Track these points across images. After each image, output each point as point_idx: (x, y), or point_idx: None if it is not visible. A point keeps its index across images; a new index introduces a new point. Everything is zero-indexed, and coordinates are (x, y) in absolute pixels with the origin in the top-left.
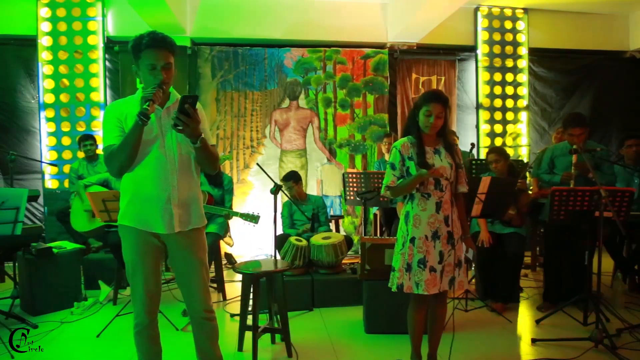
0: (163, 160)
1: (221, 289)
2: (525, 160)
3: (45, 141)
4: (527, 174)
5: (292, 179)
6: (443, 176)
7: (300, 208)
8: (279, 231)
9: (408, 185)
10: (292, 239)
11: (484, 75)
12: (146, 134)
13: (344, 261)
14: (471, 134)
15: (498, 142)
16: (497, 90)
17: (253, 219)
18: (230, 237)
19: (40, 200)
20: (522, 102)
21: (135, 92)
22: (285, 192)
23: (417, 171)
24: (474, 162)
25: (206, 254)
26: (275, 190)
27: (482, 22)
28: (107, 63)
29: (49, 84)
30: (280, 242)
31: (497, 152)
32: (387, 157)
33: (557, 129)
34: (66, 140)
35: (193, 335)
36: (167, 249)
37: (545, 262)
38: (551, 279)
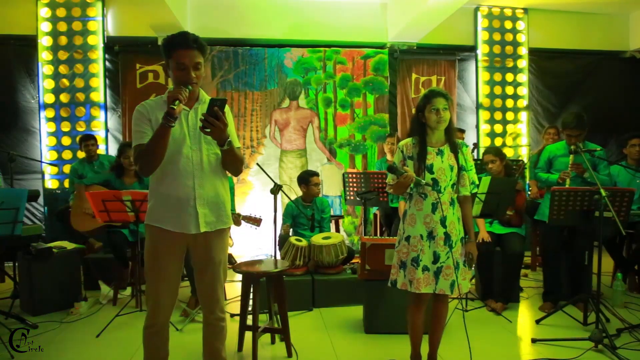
0: (189, 160)
1: None
2: (525, 160)
3: (45, 141)
4: (526, 175)
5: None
6: (409, 183)
7: (304, 211)
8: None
9: (396, 186)
10: (292, 238)
11: (484, 75)
12: (173, 134)
13: None
14: (471, 134)
15: (498, 142)
16: (497, 90)
17: (255, 222)
18: (230, 237)
19: (40, 200)
20: (522, 102)
21: (165, 93)
22: (285, 192)
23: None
24: (474, 161)
25: (227, 255)
26: (275, 190)
27: (482, 22)
28: (107, 63)
29: (49, 84)
30: (280, 242)
31: (494, 152)
32: (389, 156)
33: (546, 129)
34: (66, 140)
35: (203, 335)
36: (189, 250)
37: (543, 262)
38: (550, 279)
